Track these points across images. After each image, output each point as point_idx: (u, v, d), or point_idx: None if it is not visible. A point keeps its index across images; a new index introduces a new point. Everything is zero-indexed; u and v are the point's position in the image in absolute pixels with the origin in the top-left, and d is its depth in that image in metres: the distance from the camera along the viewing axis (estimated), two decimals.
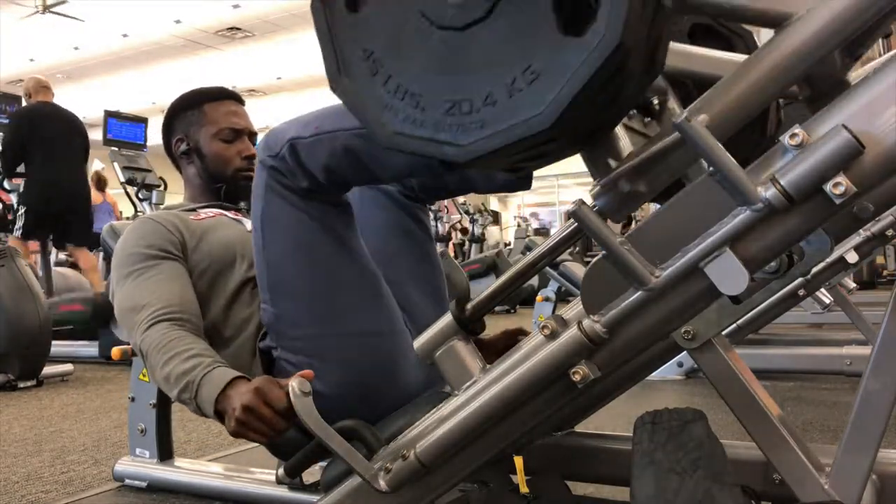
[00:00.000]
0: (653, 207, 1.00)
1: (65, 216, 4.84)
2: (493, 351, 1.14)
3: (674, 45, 0.80)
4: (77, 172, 4.91)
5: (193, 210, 1.49)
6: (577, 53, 0.63)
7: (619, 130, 0.83)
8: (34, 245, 5.05)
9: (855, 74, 0.88)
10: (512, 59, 0.67)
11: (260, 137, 1.22)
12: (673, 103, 0.88)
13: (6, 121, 4.99)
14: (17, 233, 4.74)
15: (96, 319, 4.06)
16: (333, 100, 1.11)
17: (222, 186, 1.54)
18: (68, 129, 4.80)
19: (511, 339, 1.30)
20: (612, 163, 0.82)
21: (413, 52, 0.71)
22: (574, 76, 0.63)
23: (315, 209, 1.13)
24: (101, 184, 7.48)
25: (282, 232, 1.15)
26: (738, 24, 0.97)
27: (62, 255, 6.33)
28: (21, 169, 4.74)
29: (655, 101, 0.86)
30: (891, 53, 0.93)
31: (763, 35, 0.85)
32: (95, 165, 7.10)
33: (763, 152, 0.77)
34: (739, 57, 0.84)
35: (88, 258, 5.17)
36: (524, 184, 1.20)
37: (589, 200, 0.85)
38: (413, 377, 1.20)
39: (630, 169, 0.81)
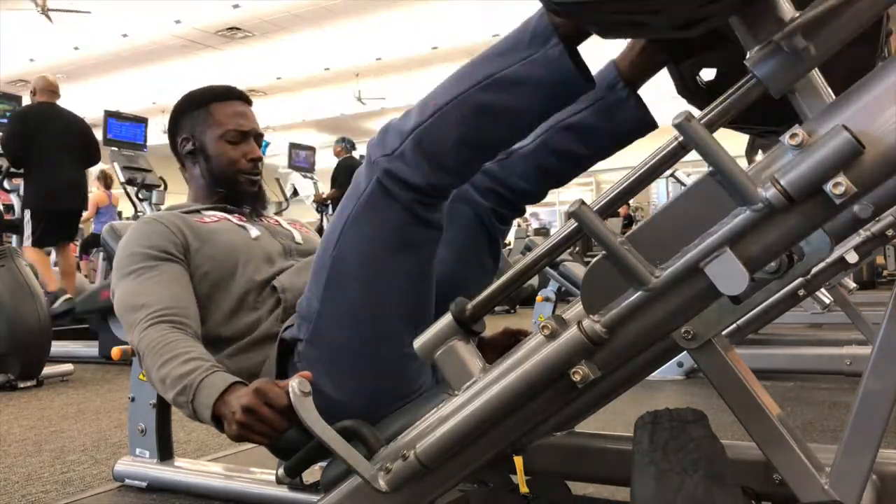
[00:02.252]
0: (653, 208, 0.99)
1: (66, 215, 4.83)
2: (494, 349, 1.13)
3: None
4: (76, 173, 4.88)
5: (198, 212, 1.48)
6: None
7: None
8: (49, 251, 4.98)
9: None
10: None
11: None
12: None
13: (3, 121, 4.98)
14: (28, 241, 4.65)
15: None
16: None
17: (225, 188, 1.53)
18: (68, 131, 4.76)
19: (512, 337, 1.29)
20: (773, 28, 0.76)
21: None
22: None
23: (409, 224, 1.06)
24: (107, 182, 7.45)
25: (367, 234, 1.08)
26: None
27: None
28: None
29: None
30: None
31: None
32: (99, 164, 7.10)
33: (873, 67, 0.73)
34: None
35: (69, 256, 5.12)
36: (649, 119, 1.15)
37: (589, 200, 0.85)
38: (421, 387, 1.20)
39: (809, 21, 0.74)
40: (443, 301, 1.12)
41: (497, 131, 1.03)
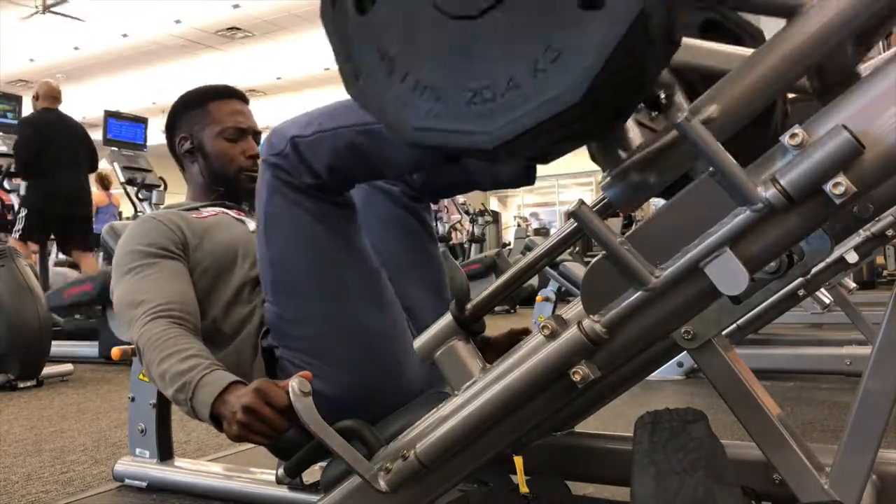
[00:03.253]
0: (653, 208, 1.00)
1: (65, 220, 4.86)
2: (499, 350, 1.14)
3: (683, 40, 0.80)
4: (79, 179, 4.93)
5: (196, 209, 1.48)
6: (598, 26, 0.62)
7: (630, 123, 0.83)
8: (33, 245, 5.05)
9: (864, 66, 0.87)
10: (531, 40, 0.66)
11: (263, 137, 1.22)
12: (680, 98, 0.87)
13: (8, 121, 5.01)
14: (16, 234, 4.78)
15: (102, 297, 4.00)
16: (334, 100, 1.12)
17: (224, 186, 1.53)
18: (71, 137, 4.82)
19: (517, 338, 1.30)
20: (623, 154, 0.82)
21: (428, 46, 0.71)
22: (599, 47, 0.62)
23: (319, 208, 1.13)
24: (105, 183, 7.47)
25: (285, 231, 1.14)
26: (750, 15, 0.96)
27: (62, 256, 6.33)
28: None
29: (662, 96, 0.86)
30: (891, 52, 0.93)
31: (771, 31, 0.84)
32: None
33: (769, 148, 0.77)
34: (748, 51, 0.84)
35: (92, 265, 5.17)
36: (527, 178, 1.21)
37: (589, 200, 0.85)
38: (414, 377, 1.20)
39: (640, 160, 0.81)
40: (395, 283, 1.22)
41: (364, 170, 1.12)
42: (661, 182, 0.83)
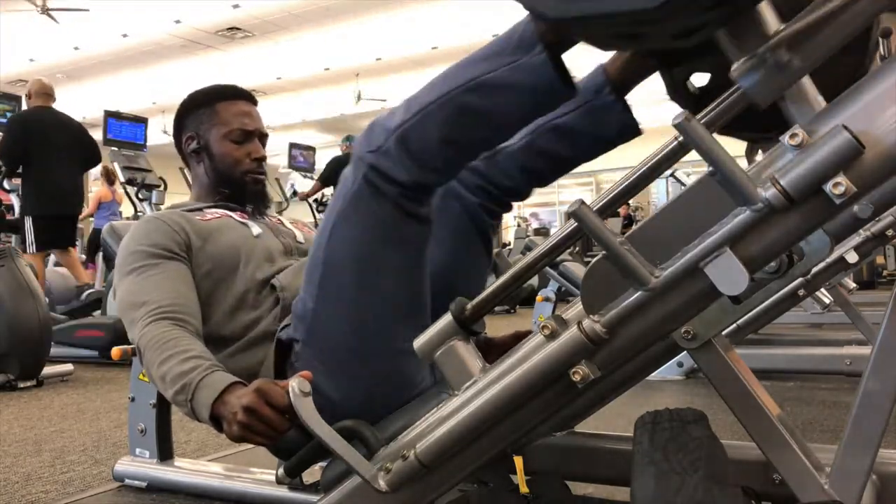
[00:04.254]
0: (653, 208, 0.99)
1: (67, 221, 4.83)
2: (502, 351, 1.14)
3: None
4: (73, 178, 4.88)
5: (199, 210, 1.48)
6: None
7: (764, 5, 0.79)
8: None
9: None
10: None
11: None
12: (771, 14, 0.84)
13: (3, 121, 4.98)
14: (31, 248, 4.63)
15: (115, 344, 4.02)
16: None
17: (229, 188, 1.53)
18: (65, 135, 4.74)
19: (521, 340, 1.29)
20: (758, 41, 0.77)
21: None
22: None
23: (398, 220, 1.07)
24: (110, 178, 7.44)
25: (355, 233, 1.09)
26: None
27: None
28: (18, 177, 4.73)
29: None
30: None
31: None
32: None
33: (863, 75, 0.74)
34: None
35: (73, 258, 5.14)
36: (634, 124, 1.15)
37: (589, 200, 0.85)
38: (421, 385, 1.20)
39: (792, 34, 0.75)
40: (440, 298, 1.14)
41: (479, 133, 1.04)
42: (809, 64, 0.77)
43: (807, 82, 0.81)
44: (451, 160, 1.07)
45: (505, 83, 0.97)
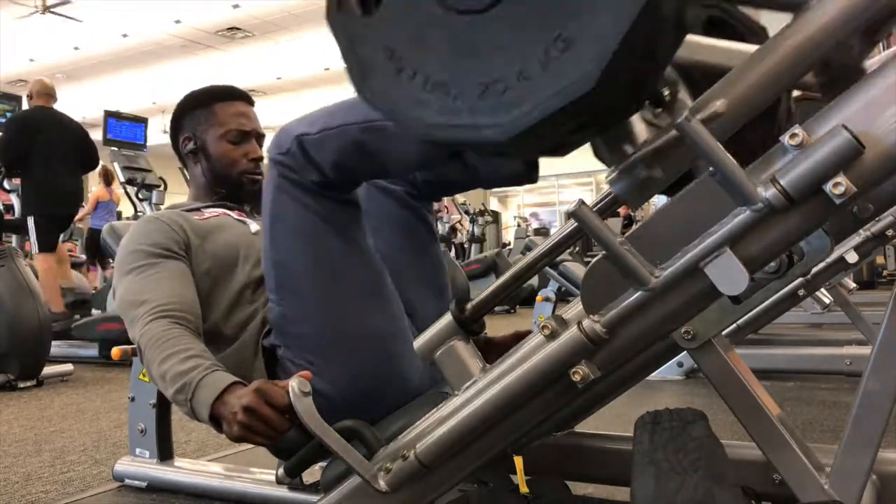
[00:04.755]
0: (653, 208, 1.00)
1: (68, 221, 4.83)
2: (503, 351, 1.15)
3: (687, 37, 0.80)
4: (72, 178, 4.86)
5: (197, 209, 1.48)
6: (610, 12, 0.62)
7: (635, 118, 0.83)
8: (61, 253, 4.96)
9: (871, 62, 0.87)
10: (540, 31, 0.66)
11: (268, 137, 1.22)
12: (683, 94, 0.87)
13: (3, 121, 4.97)
14: (36, 250, 4.63)
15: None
16: (336, 99, 1.12)
17: (226, 189, 1.53)
18: (66, 136, 4.73)
19: (521, 340, 1.30)
20: (629, 149, 0.82)
21: (435, 43, 0.71)
22: (611, 33, 0.62)
23: (323, 207, 1.13)
24: (108, 178, 7.45)
25: (290, 230, 1.15)
26: (757, 10, 0.96)
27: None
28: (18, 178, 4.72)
29: (666, 92, 0.86)
30: (890, 51, 0.93)
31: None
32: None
33: (773, 145, 0.76)
34: (752, 47, 0.83)
35: (61, 251, 5.12)
36: (529, 175, 1.20)
37: (589, 200, 0.85)
38: (415, 377, 1.20)
39: (646, 155, 0.81)
40: (397, 283, 1.23)
41: (367, 168, 1.12)
42: (667, 177, 0.82)
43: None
44: (344, 180, 1.14)
45: (397, 133, 1.02)
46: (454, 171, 1.29)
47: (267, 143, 1.28)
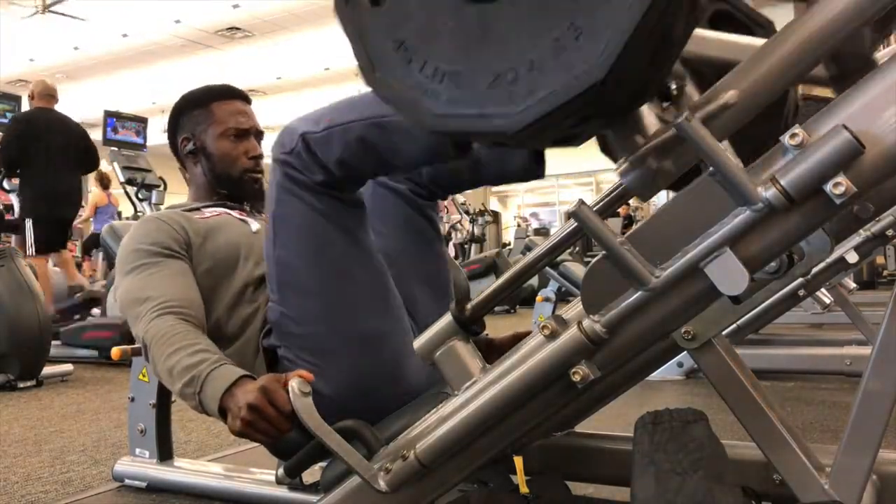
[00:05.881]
0: (653, 208, 1.00)
1: (60, 221, 4.83)
2: (502, 352, 1.15)
3: (695, 31, 0.80)
4: (72, 180, 4.87)
5: (198, 209, 1.48)
6: (622, 0, 0.61)
7: (645, 109, 0.82)
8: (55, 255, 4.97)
9: (882, 54, 0.87)
10: (552, 20, 0.65)
11: (269, 137, 1.22)
12: (690, 88, 0.87)
13: (7, 121, 4.97)
14: (31, 250, 4.63)
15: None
16: (334, 100, 1.12)
17: (227, 188, 1.53)
18: (67, 137, 4.74)
19: (521, 341, 1.29)
20: (640, 140, 0.81)
21: (445, 33, 0.70)
22: (623, 22, 0.61)
23: (328, 206, 1.13)
24: (104, 182, 7.46)
25: (294, 229, 1.15)
26: (762, 4, 0.95)
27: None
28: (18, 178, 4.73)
29: (673, 86, 0.85)
30: (891, 48, 0.93)
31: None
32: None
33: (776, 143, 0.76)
34: (759, 41, 0.82)
35: (68, 259, 5.13)
36: (538, 171, 1.19)
37: (589, 200, 0.85)
38: (415, 377, 1.20)
39: (656, 146, 0.80)
40: (400, 283, 1.22)
41: (372, 165, 1.12)
42: (678, 169, 0.81)
43: (725, 146, 0.83)
44: (351, 175, 1.13)
45: (402, 128, 1.02)
46: (460, 168, 1.28)
47: (268, 142, 1.28)
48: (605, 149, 1.04)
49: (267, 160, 1.33)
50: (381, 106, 1.01)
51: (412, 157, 1.09)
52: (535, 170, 1.20)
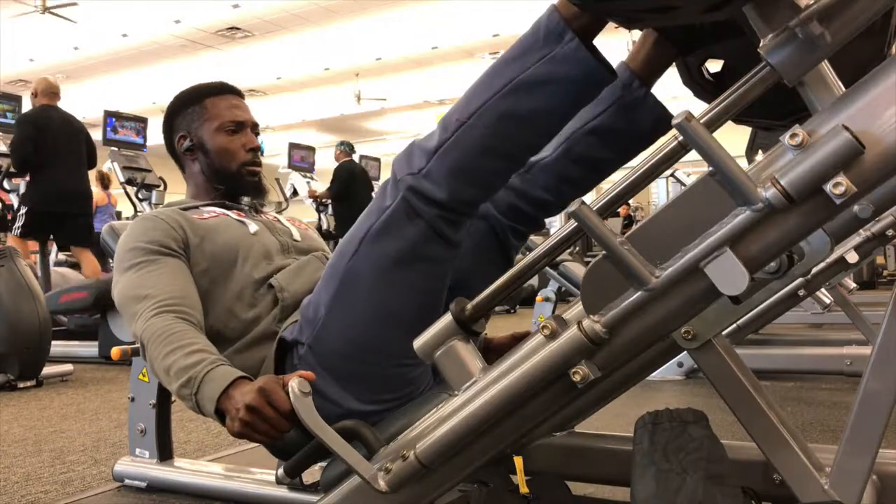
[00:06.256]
0: (653, 208, 0.99)
1: (65, 219, 4.86)
2: (501, 353, 1.14)
3: None
4: (78, 176, 4.93)
5: (196, 208, 1.48)
6: None
7: None
8: (33, 245, 5.06)
9: None
10: None
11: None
12: None
13: (8, 120, 5.01)
14: (17, 231, 4.77)
15: (97, 306, 4.00)
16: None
17: (226, 183, 1.53)
18: (71, 134, 4.82)
19: (520, 342, 1.29)
20: (789, 14, 0.76)
21: None
22: None
23: (431, 241, 1.07)
24: (105, 182, 7.48)
25: (385, 252, 1.08)
26: None
27: (62, 256, 6.34)
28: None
29: None
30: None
31: None
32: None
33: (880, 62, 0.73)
34: None
35: (91, 262, 5.17)
36: (668, 122, 1.14)
37: (589, 200, 0.85)
38: (426, 389, 1.20)
39: (825, 6, 0.74)
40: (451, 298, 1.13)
41: (522, 136, 1.04)
42: (837, 40, 0.76)
43: (826, 67, 0.80)
44: (495, 171, 1.06)
45: (542, 78, 0.97)
46: (591, 145, 1.19)
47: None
48: (689, 80, 1.02)
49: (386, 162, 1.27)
50: (506, 71, 0.99)
51: (562, 102, 1.01)
52: (665, 115, 1.15)
